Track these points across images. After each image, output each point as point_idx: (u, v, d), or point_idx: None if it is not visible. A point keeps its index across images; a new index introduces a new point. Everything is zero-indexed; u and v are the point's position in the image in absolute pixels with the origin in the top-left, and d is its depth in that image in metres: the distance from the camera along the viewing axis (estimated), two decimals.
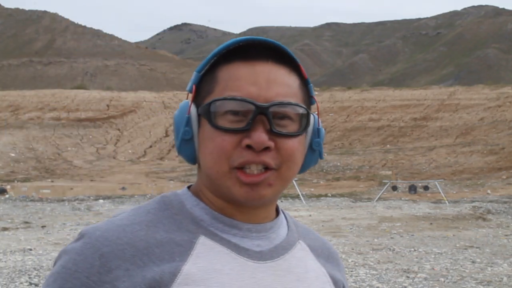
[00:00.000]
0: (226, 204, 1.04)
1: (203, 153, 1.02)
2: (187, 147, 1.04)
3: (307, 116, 1.04)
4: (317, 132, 1.09)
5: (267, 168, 0.99)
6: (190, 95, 1.06)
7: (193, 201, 1.06)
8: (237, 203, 1.03)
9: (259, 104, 0.98)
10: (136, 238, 0.98)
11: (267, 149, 0.98)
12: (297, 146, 1.02)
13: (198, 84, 1.05)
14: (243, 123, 0.98)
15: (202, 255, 0.99)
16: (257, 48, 1.04)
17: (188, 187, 1.10)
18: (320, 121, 1.10)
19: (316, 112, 1.10)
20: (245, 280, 1.00)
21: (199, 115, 1.03)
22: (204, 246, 1.00)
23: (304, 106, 1.04)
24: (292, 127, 1.01)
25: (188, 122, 1.03)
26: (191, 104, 1.04)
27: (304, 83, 1.07)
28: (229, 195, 1.02)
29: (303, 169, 1.09)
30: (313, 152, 1.09)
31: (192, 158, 1.06)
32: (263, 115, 0.98)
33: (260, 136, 0.97)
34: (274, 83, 1.01)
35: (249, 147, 0.98)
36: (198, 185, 1.08)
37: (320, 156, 1.11)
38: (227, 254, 1.01)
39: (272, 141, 0.99)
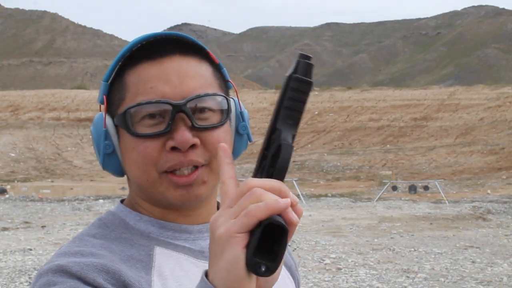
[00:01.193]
0: (165, 211, 1.00)
1: (128, 164, 0.98)
2: (111, 161, 0.99)
3: (227, 103, 0.99)
4: (240, 116, 1.04)
5: (197, 166, 0.95)
6: (103, 107, 1.01)
7: (134, 216, 1.01)
8: (175, 207, 0.99)
9: (175, 102, 0.93)
10: (99, 260, 0.91)
11: (193, 146, 0.94)
12: (223, 136, 0.98)
13: (108, 94, 0.99)
14: (162, 125, 0.94)
15: (164, 265, 0.96)
16: (160, 44, 0.98)
17: (121, 201, 1.06)
18: (241, 103, 1.05)
19: (236, 96, 1.06)
20: None
21: (116, 126, 0.98)
22: (162, 255, 0.97)
23: (222, 94, 0.99)
24: (214, 118, 0.97)
25: (107, 135, 0.98)
26: (105, 116, 0.98)
27: (217, 69, 1.02)
28: (165, 201, 0.98)
29: (234, 156, 1.04)
30: (241, 136, 1.05)
31: (119, 171, 1.01)
32: (181, 112, 0.93)
33: (183, 135, 0.93)
34: (186, 77, 0.96)
35: (174, 148, 0.94)
36: (132, 198, 1.04)
37: (249, 139, 1.07)
38: (185, 260, 0.98)
39: (197, 137, 0.94)
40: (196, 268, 0.98)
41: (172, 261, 0.97)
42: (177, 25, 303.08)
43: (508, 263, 10.16)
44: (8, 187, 29.29)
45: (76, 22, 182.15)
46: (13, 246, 11.50)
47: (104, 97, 0.99)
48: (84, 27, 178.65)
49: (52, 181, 35.60)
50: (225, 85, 1.03)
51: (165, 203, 0.99)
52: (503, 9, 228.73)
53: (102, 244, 0.95)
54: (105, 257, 0.92)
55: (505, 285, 8.66)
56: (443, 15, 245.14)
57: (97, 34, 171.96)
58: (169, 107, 0.93)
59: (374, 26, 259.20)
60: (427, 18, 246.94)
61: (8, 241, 12.26)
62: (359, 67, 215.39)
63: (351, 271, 9.54)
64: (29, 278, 8.77)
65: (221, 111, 0.98)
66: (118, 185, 32.04)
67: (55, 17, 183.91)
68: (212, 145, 0.96)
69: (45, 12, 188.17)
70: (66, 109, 55.41)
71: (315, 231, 14.07)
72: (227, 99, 0.99)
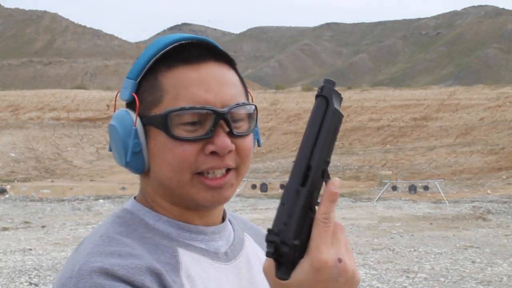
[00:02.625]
0: (184, 211, 1.02)
1: (160, 164, 0.99)
2: (137, 159, 1.00)
3: (255, 111, 1.03)
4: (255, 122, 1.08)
5: (228, 169, 0.99)
6: (127, 104, 1.03)
7: (153, 216, 1.02)
8: (198, 208, 1.02)
9: (219, 110, 0.96)
10: (141, 261, 0.92)
11: (229, 152, 0.98)
12: (251, 143, 1.02)
13: (136, 93, 1.01)
14: (202, 130, 0.97)
15: (190, 267, 0.98)
16: (194, 48, 1.01)
17: (134, 198, 1.07)
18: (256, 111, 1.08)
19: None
20: (223, 284, 1.01)
21: (144, 125, 1.00)
22: (186, 257, 0.99)
23: (254, 104, 1.03)
24: (245, 125, 1.01)
25: (136, 134, 0.99)
26: (137, 115, 1.00)
27: (240, 76, 1.06)
28: (193, 202, 1.00)
29: None
30: (254, 141, 1.08)
31: (141, 169, 1.02)
32: (223, 119, 0.97)
33: (224, 141, 0.96)
34: (224, 85, 0.99)
35: (213, 153, 0.97)
36: (149, 196, 1.04)
37: (259, 144, 1.11)
38: (204, 262, 1.00)
39: (233, 143, 0.98)
40: (213, 269, 1.01)
41: (195, 263, 0.99)
42: (177, 25, 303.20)
43: (508, 263, 10.16)
44: (8, 187, 29.31)
45: (76, 22, 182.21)
46: (13, 246, 11.50)
47: (135, 96, 1.00)
48: (84, 27, 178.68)
49: (52, 181, 35.60)
50: (247, 93, 1.06)
51: (191, 204, 1.01)
52: (503, 9, 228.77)
53: (132, 244, 0.95)
54: (144, 257, 0.92)
55: (505, 285, 8.67)
56: (443, 15, 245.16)
57: (97, 34, 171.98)
58: (211, 114, 0.96)
59: (374, 26, 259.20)
60: (427, 18, 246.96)
61: (8, 241, 12.26)
62: (359, 67, 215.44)
63: None
64: (29, 278, 8.78)
65: (250, 119, 1.02)
66: (118, 185, 32.06)
67: (55, 17, 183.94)
68: (243, 151, 1.00)
69: (45, 12, 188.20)
70: (66, 109, 55.41)
71: None
72: (255, 108, 1.03)
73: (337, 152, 41.98)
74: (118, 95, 1.05)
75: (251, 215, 17.55)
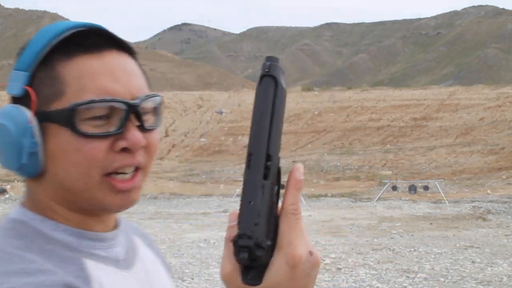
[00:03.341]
0: (84, 217, 0.92)
1: (63, 165, 0.88)
2: (32, 161, 0.88)
3: (161, 103, 0.94)
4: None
5: (136, 168, 0.90)
6: (14, 100, 0.90)
7: (50, 225, 0.90)
8: (101, 213, 0.93)
9: (131, 102, 0.87)
10: (54, 277, 0.81)
11: (140, 148, 0.90)
12: (158, 137, 0.93)
13: (30, 86, 0.88)
14: (111, 125, 0.87)
15: (99, 278, 0.89)
16: (92, 35, 0.90)
17: (21, 206, 0.93)
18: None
19: None
20: None
21: (40, 122, 0.87)
22: (92, 268, 0.89)
23: (161, 95, 0.94)
24: (152, 119, 0.91)
25: (33, 132, 0.86)
26: (34, 111, 0.87)
27: (140, 65, 0.96)
28: (99, 207, 0.90)
29: None
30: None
31: (36, 172, 0.89)
32: (134, 113, 0.88)
33: (136, 136, 0.87)
34: (131, 75, 0.91)
35: (124, 149, 0.88)
36: (42, 202, 0.91)
37: None
38: (110, 270, 0.92)
39: (144, 138, 0.89)
40: (120, 277, 0.93)
41: (103, 273, 0.90)
42: (177, 25, 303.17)
43: (508, 263, 10.16)
44: (8, 187, 29.30)
45: None
46: None
47: (29, 89, 0.87)
48: None
49: None
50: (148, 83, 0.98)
51: (95, 209, 0.91)
52: (503, 9, 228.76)
53: (37, 258, 0.84)
54: (56, 272, 0.82)
55: (505, 285, 8.67)
56: (443, 15, 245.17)
57: None
58: (123, 107, 0.87)
59: (374, 26, 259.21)
60: (427, 18, 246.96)
61: None
62: (359, 67, 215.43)
63: (351, 271, 9.54)
64: None
65: (156, 111, 0.93)
66: None
67: (55, 17, 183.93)
68: (152, 147, 0.92)
69: (45, 12, 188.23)
70: None
71: (315, 231, 14.08)
72: (162, 100, 0.95)
73: (337, 152, 41.97)
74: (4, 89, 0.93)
75: None
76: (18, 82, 0.89)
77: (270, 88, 0.72)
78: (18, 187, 31.19)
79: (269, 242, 0.70)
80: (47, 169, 0.89)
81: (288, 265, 0.71)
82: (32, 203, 0.92)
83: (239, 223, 0.69)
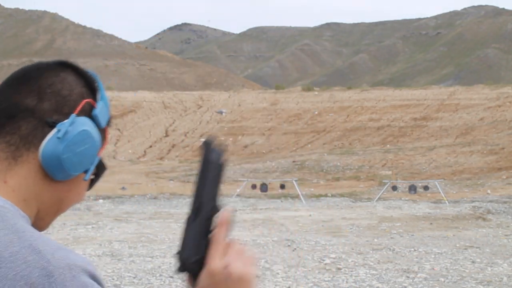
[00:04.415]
0: None
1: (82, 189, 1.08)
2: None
3: None
4: None
5: None
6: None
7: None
8: None
9: None
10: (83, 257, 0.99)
11: None
12: None
13: None
14: None
15: None
16: None
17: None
18: None
19: None
20: None
21: None
22: None
23: None
24: None
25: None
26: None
27: None
28: None
29: None
30: None
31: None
32: None
33: None
34: None
35: None
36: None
37: None
38: None
39: None
40: None
41: None
42: (177, 25, 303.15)
43: (508, 263, 10.16)
44: None
45: (76, 22, 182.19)
46: None
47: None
48: (84, 27, 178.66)
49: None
50: None
51: None
52: (503, 9, 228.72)
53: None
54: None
55: (505, 285, 8.67)
56: (443, 15, 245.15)
57: (97, 34, 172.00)
58: None
59: (374, 26, 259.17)
60: (427, 18, 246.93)
61: None
62: (359, 67, 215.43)
63: (351, 271, 9.54)
64: None
65: None
66: (118, 185, 32.04)
67: (55, 17, 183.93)
68: None
69: (45, 12, 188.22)
70: None
71: (315, 231, 14.08)
72: None
73: (337, 152, 41.98)
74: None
75: (251, 215, 17.55)
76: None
77: (205, 162, 1.03)
78: None
79: (197, 257, 1.00)
80: None
81: (206, 275, 0.97)
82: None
83: (179, 245, 1.02)
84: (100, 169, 1.11)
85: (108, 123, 1.13)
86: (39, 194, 1.03)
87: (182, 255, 1.02)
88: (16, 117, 1.01)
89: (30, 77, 1.05)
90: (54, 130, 1.00)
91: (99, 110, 1.07)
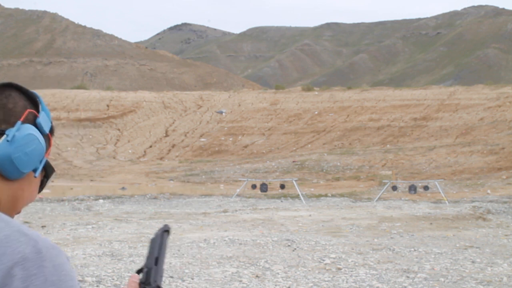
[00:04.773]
0: None
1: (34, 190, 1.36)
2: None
3: None
4: None
5: None
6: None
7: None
8: None
9: None
10: None
11: None
12: None
13: None
14: None
15: None
16: None
17: None
18: None
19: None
20: None
21: None
22: None
23: None
24: None
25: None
26: None
27: None
28: None
29: None
30: None
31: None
32: None
33: None
34: None
35: None
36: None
37: None
38: None
39: None
40: None
41: None
42: (177, 25, 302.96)
43: (508, 263, 10.16)
44: None
45: (76, 22, 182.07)
46: None
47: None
48: (84, 27, 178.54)
49: (52, 181, 35.56)
50: None
51: None
52: (503, 9, 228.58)
53: None
54: None
55: (505, 285, 8.67)
56: (443, 15, 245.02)
57: (97, 34, 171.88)
58: None
59: (374, 26, 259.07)
60: (427, 18, 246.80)
61: None
62: (359, 67, 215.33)
63: (351, 271, 9.54)
64: None
65: None
66: (118, 185, 32.03)
67: (55, 17, 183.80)
68: None
69: (45, 12, 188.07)
70: (66, 109, 55.40)
71: (315, 231, 14.07)
72: None
73: (337, 152, 41.97)
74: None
75: (251, 215, 17.55)
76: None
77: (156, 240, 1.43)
78: None
79: None
80: None
81: None
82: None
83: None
84: (48, 170, 1.34)
85: (51, 131, 1.33)
86: None
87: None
88: None
89: None
90: (4, 136, 1.22)
91: (42, 118, 1.28)
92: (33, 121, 1.27)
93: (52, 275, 1.11)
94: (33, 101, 1.30)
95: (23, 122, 1.24)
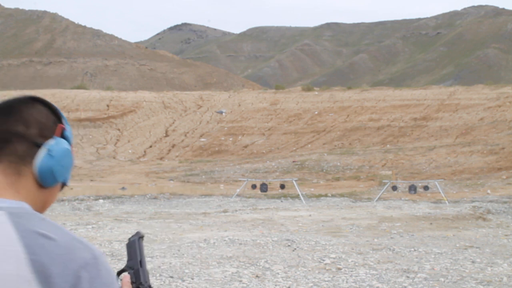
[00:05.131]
0: None
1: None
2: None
3: None
4: None
5: None
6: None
7: None
8: None
9: None
10: None
11: None
12: None
13: None
14: None
15: None
16: None
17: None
18: None
19: None
20: None
21: None
22: None
23: None
24: None
25: None
26: None
27: None
28: None
29: None
30: None
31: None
32: None
33: None
34: None
35: None
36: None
37: None
38: None
39: None
40: None
41: None
42: (177, 25, 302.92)
43: (508, 263, 10.16)
44: None
45: (76, 22, 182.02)
46: None
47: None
48: (84, 27, 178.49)
49: None
50: None
51: None
52: (503, 9, 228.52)
53: None
54: None
55: (505, 285, 8.66)
56: (443, 15, 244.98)
57: (97, 34, 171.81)
58: None
59: (374, 26, 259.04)
60: (427, 18, 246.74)
61: None
62: (359, 67, 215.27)
63: (351, 271, 9.54)
64: None
65: None
66: (118, 185, 32.02)
67: (55, 17, 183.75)
68: None
69: (45, 12, 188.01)
70: (66, 109, 55.40)
71: (315, 231, 14.07)
72: None
73: (337, 152, 41.96)
74: None
75: (251, 215, 17.55)
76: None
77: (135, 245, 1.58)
78: None
79: None
80: None
81: None
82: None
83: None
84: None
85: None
86: (35, 199, 1.40)
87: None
88: (11, 141, 1.37)
89: (11, 110, 1.39)
90: (44, 149, 1.39)
91: (68, 132, 1.47)
92: (62, 134, 1.44)
93: (107, 278, 1.33)
94: (56, 114, 1.47)
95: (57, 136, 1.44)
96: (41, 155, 1.38)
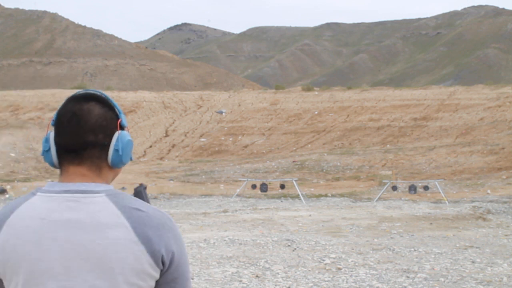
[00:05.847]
0: None
1: None
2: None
3: None
4: None
5: None
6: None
7: None
8: None
9: None
10: None
11: None
12: None
13: None
14: None
15: None
16: None
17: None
18: None
19: None
20: None
21: None
22: None
23: None
24: None
25: None
26: None
27: None
28: None
29: None
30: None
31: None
32: None
33: None
34: None
35: None
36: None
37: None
38: None
39: None
40: None
41: None
42: (177, 25, 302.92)
43: (508, 263, 10.16)
44: (8, 187, 29.28)
45: (76, 22, 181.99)
46: None
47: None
48: (84, 27, 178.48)
49: (52, 181, 35.51)
50: None
51: None
52: (503, 9, 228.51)
53: None
54: None
55: (505, 285, 8.66)
56: (443, 15, 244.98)
57: (97, 34, 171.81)
58: None
59: (374, 26, 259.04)
60: (427, 18, 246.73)
61: None
62: (359, 67, 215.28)
63: (351, 271, 9.53)
64: None
65: None
66: (118, 185, 32.01)
67: (55, 17, 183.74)
68: None
69: (45, 12, 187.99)
70: None
71: (315, 231, 14.07)
72: None
73: (337, 152, 41.97)
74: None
75: (251, 215, 17.54)
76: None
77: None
78: (18, 187, 31.17)
79: None
80: None
81: None
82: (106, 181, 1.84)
83: None
84: None
85: None
86: (110, 178, 1.83)
87: None
88: (87, 148, 1.75)
89: (80, 120, 1.74)
90: (111, 148, 1.77)
91: (123, 120, 1.79)
92: (120, 126, 1.81)
93: (179, 233, 1.78)
94: (110, 106, 1.80)
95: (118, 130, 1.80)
96: (110, 153, 1.77)
